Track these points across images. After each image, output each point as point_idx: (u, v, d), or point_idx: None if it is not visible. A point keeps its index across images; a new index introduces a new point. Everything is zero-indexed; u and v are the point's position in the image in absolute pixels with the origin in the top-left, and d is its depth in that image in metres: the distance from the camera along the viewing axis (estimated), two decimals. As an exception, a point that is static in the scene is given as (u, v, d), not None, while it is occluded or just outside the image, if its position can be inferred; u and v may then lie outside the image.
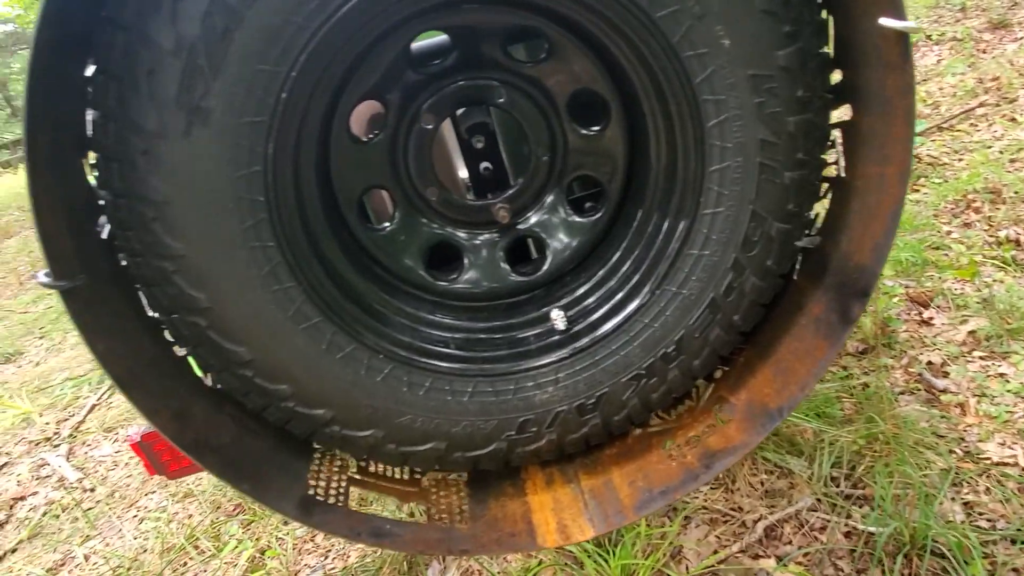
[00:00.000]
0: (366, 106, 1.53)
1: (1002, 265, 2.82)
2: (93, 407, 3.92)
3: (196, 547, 2.48)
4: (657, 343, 1.45)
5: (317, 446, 1.48)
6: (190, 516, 2.70)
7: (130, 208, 1.15)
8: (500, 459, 1.51)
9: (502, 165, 1.66)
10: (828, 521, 1.90)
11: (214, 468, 1.31)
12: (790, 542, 1.90)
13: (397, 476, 1.57)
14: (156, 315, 1.28)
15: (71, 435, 3.69)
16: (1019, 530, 1.75)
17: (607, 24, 1.30)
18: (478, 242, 1.64)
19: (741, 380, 1.55)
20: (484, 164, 1.65)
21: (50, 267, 1.10)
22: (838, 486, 2.01)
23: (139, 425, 3.22)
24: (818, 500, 1.98)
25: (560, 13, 1.38)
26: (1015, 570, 1.66)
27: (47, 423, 3.89)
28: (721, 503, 2.07)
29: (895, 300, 2.78)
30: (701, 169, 1.33)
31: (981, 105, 4.29)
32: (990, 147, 3.81)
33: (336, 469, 1.49)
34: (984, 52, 5.01)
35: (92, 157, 1.17)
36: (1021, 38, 5.00)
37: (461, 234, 1.63)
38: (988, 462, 1.98)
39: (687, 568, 1.88)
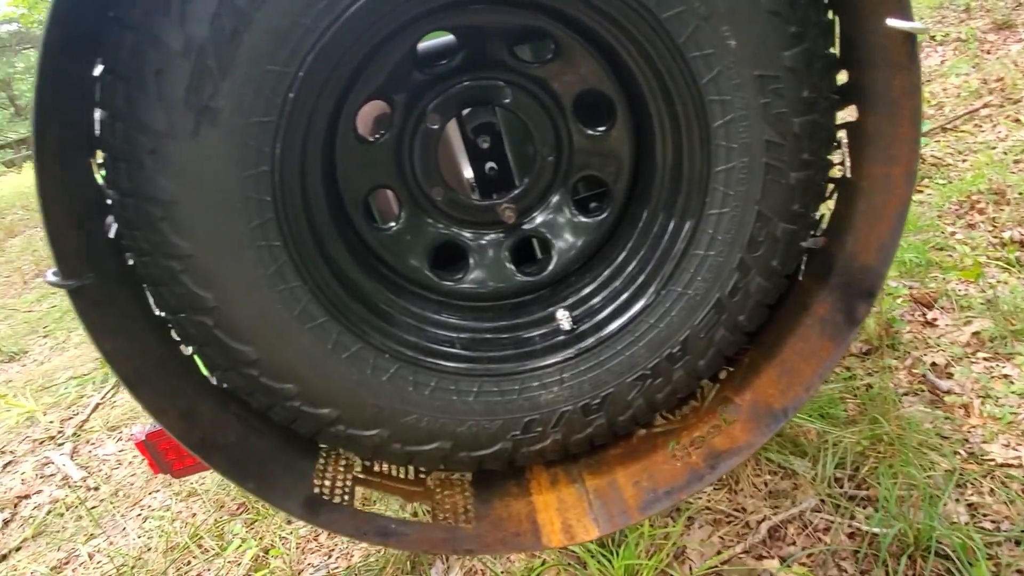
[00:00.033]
0: (372, 106, 1.53)
1: (1006, 266, 2.81)
2: (97, 406, 3.93)
3: (200, 546, 2.49)
4: (662, 343, 1.45)
5: (322, 445, 1.49)
6: (194, 515, 2.70)
7: (138, 207, 1.16)
8: (505, 459, 1.51)
9: (508, 165, 1.66)
10: (832, 522, 1.90)
11: (220, 467, 1.31)
12: (794, 543, 1.90)
13: (402, 476, 1.57)
14: (163, 314, 1.28)
15: (75, 434, 3.69)
16: (1023, 531, 1.75)
17: (613, 25, 1.30)
18: (483, 242, 1.64)
19: (746, 381, 1.55)
20: (490, 164, 1.65)
21: (58, 266, 1.10)
22: (842, 487, 2.01)
23: (143, 424, 3.22)
24: (822, 501, 1.97)
25: (567, 14, 1.38)
26: (1019, 572, 1.66)
27: (51, 422, 3.90)
28: (725, 503, 2.07)
29: (899, 301, 2.77)
30: (707, 169, 1.33)
31: (985, 106, 4.28)
32: (994, 148, 3.80)
33: (341, 468, 1.49)
34: (988, 53, 5.01)
35: (100, 157, 1.17)
36: (1025, 39, 5.00)
37: (466, 234, 1.63)
38: (992, 463, 1.98)
39: (690, 568, 1.88)
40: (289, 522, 2.48)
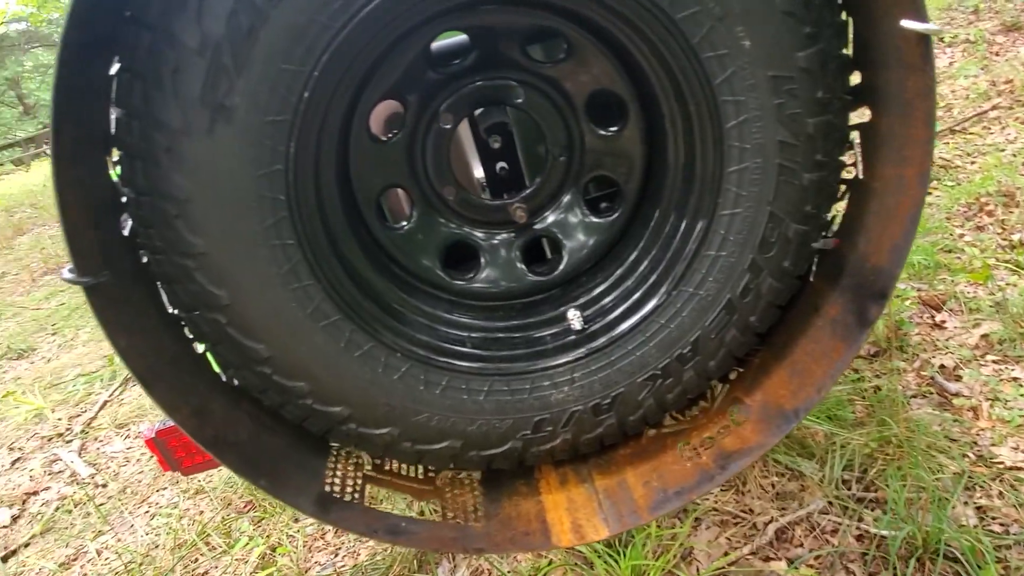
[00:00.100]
0: (385, 105, 1.53)
1: (1015, 269, 2.81)
2: (105, 403, 3.95)
3: (207, 543, 2.50)
4: (673, 344, 1.45)
5: (333, 443, 1.49)
6: (201, 512, 2.71)
7: (153, 205, 1.16)
8: (515, 458, 1.51)
9: (519, 165, 1.66)
10: (840, 524, 1.90)
11: (233, 464, 1.32)
12: (801, 545, 1.90)
13: (412, 474, 1.57)
14: (176, 312, 1.29)
15: (83, 431, 3.71)
16: (1033, 535, 1.74)
17: (627, 25, 1.30)
18: (495, 242, 1.64)
19: (756, 381, 1.55)
20: (501, 164, 1.65)
21: (74, 263, 1.11)
22: (850, 489, 2.00)
23: (151, 422, 3.23)
24: (829, 503, 1.97)
25: (580, 14, 1.38)
26: (1030, 575, 1.65)
27: (59, 419, 3.92)
28: (732, 505, 2.07)
29: (907, 303, 2.77)
30: (719, 170, 1.33)
31: (994, 108, 4.27)
32: (1003, 150, 3.79)
33: (352, 466, 1.49)
34: (997, 55, 4.99)
35: (115, 154, 1.18)
36: (1034, 41, 4.98)
37: (478, 233, 1.63)
38: (1001, 466, 1.98)
39: (697, 570, 1.88)
40: (296, 520, 2.49)
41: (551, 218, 1.64)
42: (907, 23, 1.15)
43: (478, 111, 1.56)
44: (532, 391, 1.46)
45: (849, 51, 1.29)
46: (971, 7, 5.75)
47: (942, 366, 2.43)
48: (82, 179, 1.13)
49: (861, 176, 1.40)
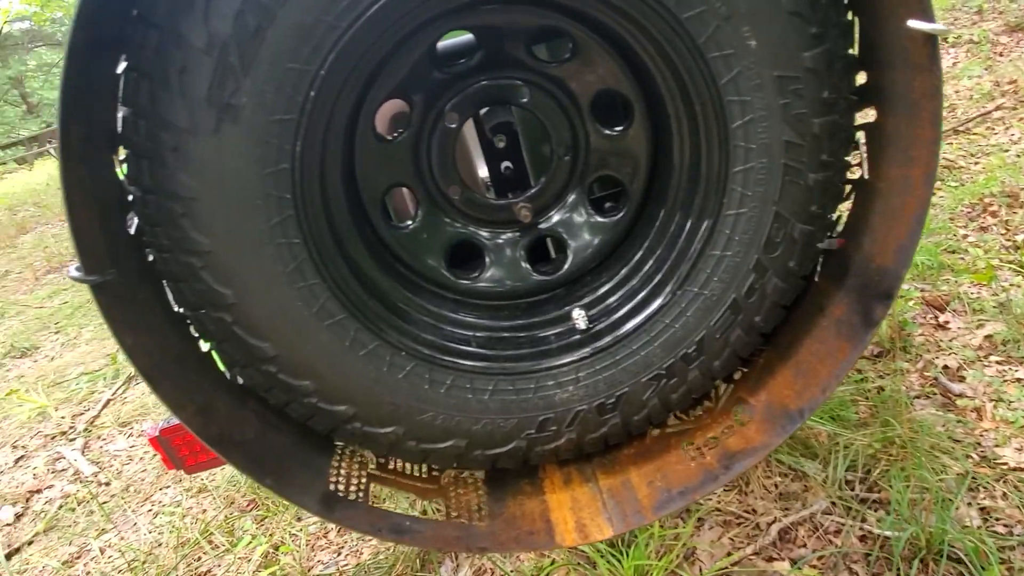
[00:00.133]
0: (391, 105, 1.53)
1: (1019, 269, 2.80)
2: (108, 402, 3.96)
3: (210, 542, 2.50)
4: (678, 344, 1.45)
5: (338, 442, 1.49)
6: (204, 511, 2.72)
7: (159, 204, 1.16)
8: (519, 457, 1.51)
9: (524, 164, 1.67)
10: (843, 525, 1.90)
11: (238, 463, 1.32)
12: (804, 545, 1.90)
13: (416, 473, 1.58)
14: (182, 310, 1.29)
15: (86, 429, 3.72)
16: (1037, 535, 1.74)
17: (632, 25, 1.30)
18: (500, 241, 1.64)
19: (761, 381, 1.55)
20: (506, 163, 1.65)
21: (81, 261, 1.11)
22: (853, 489, 2.00)
23: (154, 420, 3.24)
24: (833, 503, 1.97)
25: (586, 13, 1.38)
26: (1033, 576, 1.65)
27: (63, 417, 3.93)
28: (735, 505, 2.07)
29: (911, 304, 2.77)
30: (725, 170, 1.33)
31: (998, 108, 4.26)
32: (1007, 151, 3.79)
33: (356, 465, 1.50)
34: (1001, 55, 4.99)
35: (122, 153, 1.18)
36: (1038, 42, 4.98)
37: (483, 233, 1.64)
38: (1005, 467, 1.97)
39: (700, 570, 1.88)
40: (299, 519, 2.49)
41: (556, 217, 1.64)
42: (914, 23, 1.15)
43: (483, 110, 1.57)
44: (537, 390, 1.47)
45: (855, 51, 1.29)
46: (975, 7, 5.74)
47: (946, 367, 2.43)
48: (89, 178, 1.13)
49: (867, 176, 1.39)
